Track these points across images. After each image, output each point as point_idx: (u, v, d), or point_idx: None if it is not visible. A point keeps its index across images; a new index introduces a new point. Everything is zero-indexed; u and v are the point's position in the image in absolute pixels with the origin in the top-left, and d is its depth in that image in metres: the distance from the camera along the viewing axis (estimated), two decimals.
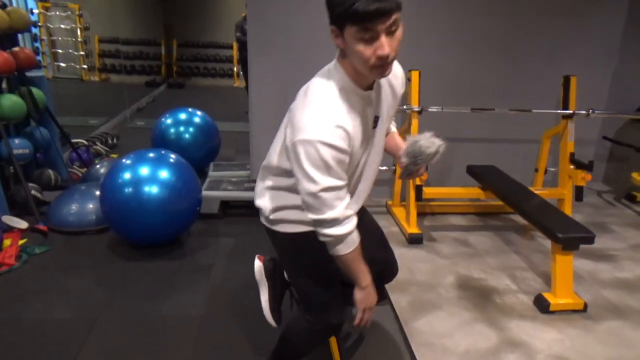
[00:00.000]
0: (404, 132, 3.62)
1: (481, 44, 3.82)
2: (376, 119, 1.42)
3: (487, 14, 3.75)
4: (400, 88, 1.50)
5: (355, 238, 1.38)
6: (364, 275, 1.45)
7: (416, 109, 3.42)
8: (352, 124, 1.28)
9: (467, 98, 3.83)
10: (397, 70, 1.47)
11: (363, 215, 1.68)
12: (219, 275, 2.80)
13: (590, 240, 2.44)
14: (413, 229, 3.36)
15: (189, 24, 11.08)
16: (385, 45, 1.14)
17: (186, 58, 11.22)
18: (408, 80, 3.52)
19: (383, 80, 1.41)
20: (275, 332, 1.84)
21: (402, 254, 3.16)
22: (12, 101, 3.38)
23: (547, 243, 3.26)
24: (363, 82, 1.31)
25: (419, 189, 3.32)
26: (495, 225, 3.69)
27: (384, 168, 3.83)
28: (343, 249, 1.37)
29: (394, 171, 3.80)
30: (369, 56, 1.16)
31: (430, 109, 3.50)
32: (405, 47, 3.94)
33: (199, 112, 4.51)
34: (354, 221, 1.37)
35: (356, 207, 1.56)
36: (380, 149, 1.51)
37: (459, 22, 3.76)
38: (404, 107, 3.47)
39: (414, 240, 3.31)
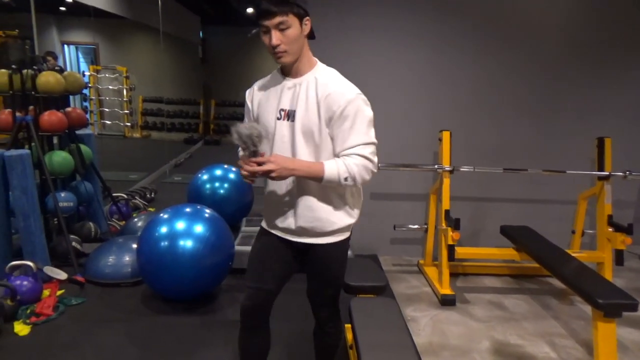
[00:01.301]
0: (436, 191, 3.64)
1: (512, 104, 3.87)
2: (280, 112, 1.62)
3: (516, 75, 3.83)
4: (325, 103, 1.55)
5: None
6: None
7: (447, 169, 3.44)
8: (260, 91, 1.72)
9: (499, 158, 3.84)
10: (332, 88, 1.56)
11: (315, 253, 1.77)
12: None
13: (633, 307, 2.33)
14: (446, 289, 3.28)
15: (226, 84, 11.63)
16: (273, 37, 1.50)
17: (223, 117, 11.69)
18: (439, 140, 3.57)
19: (309, 84, 1.58)
20: None
21: (435, 315, 3.09)
22: (62, 157, 3.60)
23: (587, 309, 3.12)
24: (283, 69, 1.65)
25: (451, 249, 3.28)
26: (531, 289, 3.57)
27: (416, 227, 3.82)
28: None
29: (426, 230, 3.78)
30: (267, 44, 1.53)
31: (462, 169, 3.52)
32: (435, 107, 4.03)
33: (233, 169, 4.66)
34: None
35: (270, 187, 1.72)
36: (284, 147, 1.61)
37: (489, 84, 3.84)
38: (435, 166, 3.51)
39: (446, 302, 3.23)
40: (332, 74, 1.63)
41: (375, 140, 1.59)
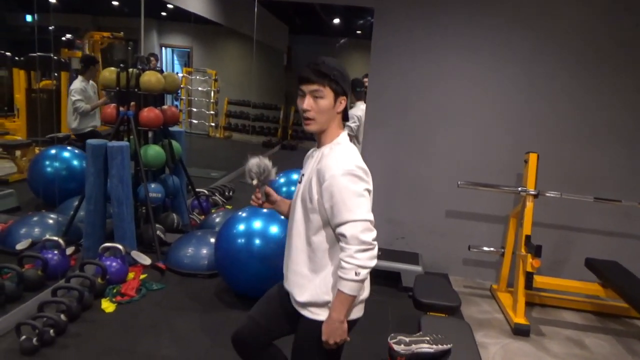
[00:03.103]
0: (517, 214, 3.49)
1: (607, 129, 3.63)
2: (302, 176, 1.69)
3: (615, 98, 3.59)
4: (317, 176, 1.56)
5: None
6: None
7: (532, 192, 3.29)
8: (307, 156, 1.76)
9: (588, 186, 3.61)
10: (324, 162, 1.57)
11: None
12: None
13: None
14: (520, 318, 3.13)
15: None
16: (305, 101, 1.58)
17: (300, 123, 11.94)
18: (525, 162, 3.43)
19: (324, 155, 1.61)
20: None
21: (506, 345, 2.95)
22: (155, 151, 3.86)
23: None
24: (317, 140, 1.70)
25: (529, 277, 3.12)
26: (616, 330, 3.30)
27: (491, 249, 3.68)
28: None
29: (502, 254, 3.63)
30: (300, 108, 1.60)
31: (547, 194, 3.35)
32: (522, 127, 3.90)
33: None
34: None
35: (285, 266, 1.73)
36: (294, 210, 1.66)
37: (582, 106, 3.63)
38: (519, 189, 3.37)
39: (520, 332, 3.07)
40: (338, 149, 1.61)
41: (366, 217, 1.51)
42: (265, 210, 1.92)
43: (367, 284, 1.68)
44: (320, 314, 1.59)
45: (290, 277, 1.67)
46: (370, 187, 1.58)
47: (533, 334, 3.09)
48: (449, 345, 1.94)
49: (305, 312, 1.62)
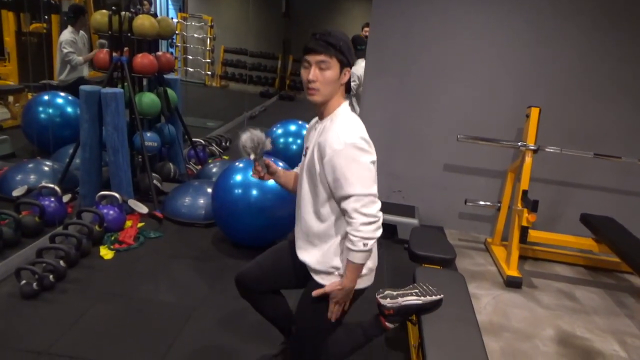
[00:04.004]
0: (515, 169, 3.48)
1: (610, 85, 3.55)
2: (306, 149, 1.72)
3: (619, 53, 3.49)
4: (319, 150, 1.58)
5: None
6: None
7: (532, 147, 3.26)
8: (309, 127, 1.81)
9: (589, 142, 3.57)
10: (330, 138, 1.55)
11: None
12: None
13: None
14: (513, 271, 3.18)
15: (305, 41, 11.58)
16: (311, 72, 1.57)
17: (299, 73, 11.70)
18: (526, 116, 3.38)
19: (326, 128, 1.62)
20: None
21: (498, 296, 3.02)
22: (150, 99, 3.78)
23: None
24: (316, 111, 1.70)
25: (524, 231, 3.15)
26: (607, 283, 3.37)
27: (488, 203, 3.70)
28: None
29: (498, 208, 3.64)
30: (304, 79, 1.60)
31: (547, 149, 3.32)
32: (524, 82, 3.82)
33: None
34: None
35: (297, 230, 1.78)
36: (301, 183, 1.70)
37: (586, 62, 3.54)
38: (519, 143, 3.34)
39: (512, 284, 3.14)
40: (339, 120, 1.61)
41: (368, 191, 1.53)
42: (268, 182, 2.01)
43: (375, 252, 1.75)
44: (329, 281, 1.66)
45: (301, 245, 1.73)
46: (374, 158, 1.58)
47: (525, 286, 3.16)
48: (439, 296, 1.96)
49: (317, 277, 1.69)
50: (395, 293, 1.92)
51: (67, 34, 4.91)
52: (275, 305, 1.95)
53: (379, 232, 1.55)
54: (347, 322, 1.84)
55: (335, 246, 1.65)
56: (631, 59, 3.50)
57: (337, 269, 1.66)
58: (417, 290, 1.96)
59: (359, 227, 1.51)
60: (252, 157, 1.72)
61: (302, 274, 1.74)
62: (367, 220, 1.52)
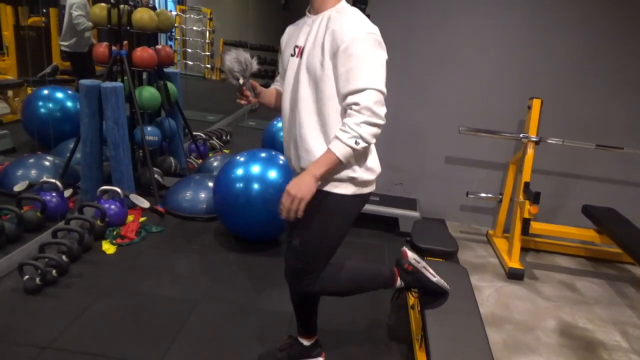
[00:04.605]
0: (517, 161, 3.47)
1: (612, 75, 3.53)
2: (295, 49, 1.58)
3: (620, 43, 3.47)
4: (330, 37, 1.44)
5: None
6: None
7: (533, 139, 3.25)
8: (289, 31, 1.69)
9: (591, 133, 3.56)
10: (340, 23, 1.45)
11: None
12: None
13: None
14: (514, 263, 3.19)
15: None
16: None
17: None
18: (528, 108, 3.37)
19: (332, 18, 1.48)
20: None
21: (500, 288, 3.02)
22: (150, 93, 3.77)
23: None
24: (310, 6, 1.58)
25: (526, 223, 3.15)
26: (608, 274, 3.38)
27: (489, 195, 3.70)
28: None
29: (500, 200, 3.64)
30: None
31: (549, 140, 3.31)
32: (526, 73, 3.81)
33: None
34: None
35: (286, 137, 1.68)
36: (298, 85, 1.55)
37: (588, 51, 3.51)
38: (520, 135, 3.33)
39: (513, 275, 3.14)
40: (349, 11, 1.49)
41: (383, 89, 1.43)
42: (253, 107, 1.78)
43: (376, 158, 1.66)
44: (340, 187, 1.57)
45: (304, 157, 1.58)
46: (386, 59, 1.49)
47: (526, 277, 3.16)
48: (447, 287, 1.97)
49: (326, 187, 1.57)
50: (419, 258, 1.91)
51: None
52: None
53: (374, 140, 1.48)
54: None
55: None
56: (633, 49, 3.48)
57: (352, 178, 1.56)
58: (433, 271, 1.96)
59: (361, 123, 1.41)
60: (240, 81, 1.56)
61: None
62: (373, 121, 1.42)
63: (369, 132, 1.43)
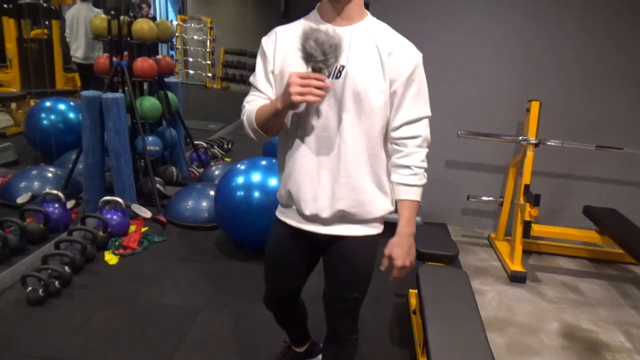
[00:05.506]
0: (517, 164, 3.47)
1: (613, 78, 3.54)
2: (341, 69, 1.28)
3: (619, 43, 3.47)
4: (391, 61, 1.28)
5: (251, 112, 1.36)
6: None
7: (533, 141, 3.26)
8: (286, 39, 1.36)
9: (591, 134, 3.57)
10: (397, 45, 1.31)
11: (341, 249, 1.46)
12: (312, 285, 2.87)
13: None
14: (517, 266, 3.18)
15: None
16: None
17: None
18: (527, 110, 3.37)
19: (365, 35, 1.30)
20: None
21: (502, 291, 3.02)
22: (151, 103, 3.80)
23: None
24: (329, 16, 1.33)
25: (527, 225, 3.15)
26: (611, 275, 3.37)
27: (490, 199, 3.70)
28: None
29: (501, 203, 3.64)
30: None
31: (548, 142, 3.32)
32: (525, 75, 3.81)
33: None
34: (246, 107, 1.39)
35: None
36: (324, 113, 1.30)
37: (587, 52, 3.52)
38: (520, 138, 3.33)
39: (516, 278, 3.14)
40: (389, 29, 1.37)
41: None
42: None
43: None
44: (377, 227, 1.44)
45: (346, 196, 1.35)
46: None
47: (529, 280, 3.16)
48: None
49: (365, 229, 1.42)
50: None
51: (91, 8, 4.97)
52: (300, 317, 1.86)
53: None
54: None
55: (387, 185, 1.41)
56: (631, 49, 3.49)
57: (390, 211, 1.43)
58: None
59: (424, 157, 1.33)
60: (330, 63, 1.19)
61: (322, 246, 1.48)
62: (427, 151, 1.34)
63: (426, 162, 1.36)
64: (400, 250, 1.36)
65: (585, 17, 3.47)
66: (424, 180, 1.35)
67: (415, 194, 1.34)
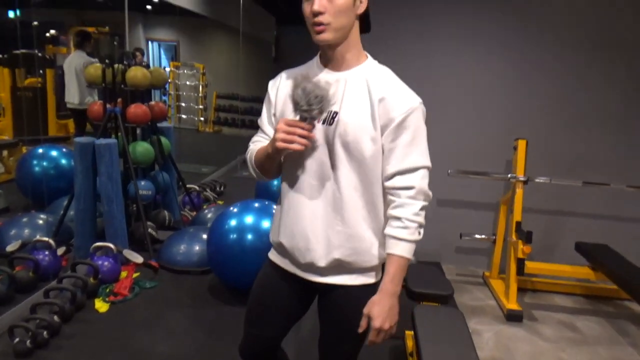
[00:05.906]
0: (507, 201, 3.51)
1: (596, 113, 3.65)
2: (330, 114, 1.26)
3: (603, 81, 3.60)
4: (382, 107, 1.25)
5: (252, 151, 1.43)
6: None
7: (521, 179, 3.31)
8: (288, 82, 1.36)
9: (578, 170, 3.64)
10: (390, 90, 1.27)
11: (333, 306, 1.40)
12: (308, 329, 2.83)
13: None
14: (512, 304, 3.16)
15: None
16: (316, 2, 1.20)
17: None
18: (514, 148, 3.44)
19: (359, 81, 1.28)
20: None
21: (500, 331, 2.98)
22: (144, 148, 3.83)
23: None
24: (325, 61, 1.34)
25: (521, 263, 3.16)
26: (607, 312, 3.35)
27: (483, 237, 3.71)
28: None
29: (494, 241, 3.65)
30: (307, 14, 1.24)
31: (537, 180, 3.37)
32: (511, 113, 3.92)
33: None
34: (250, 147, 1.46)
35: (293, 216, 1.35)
36: (316, 159, 1.28)
37: (571, 90, 3.64)
38: (509, 175, 3.39)
39: (512, 317, 3.11)
40: (387, 73, 1.33)
41: (430, 164, 1.32)
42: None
43: None
44: (375, 276, 1.35)
45: (343, 244, 1.30)
46: None
47: (526, 319, 3.13)
48: None
49: (363, 279, 1.34)
50: None
51: (84, 56, 5.08)
52: None
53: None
54: None
55: (382, 233, 1.31)
56: (611, 89, 3.61)
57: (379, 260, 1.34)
58: None
59: (419, 210, 1.24)
60: (314, 113, 1.18)
61: (313, 295, 1.43)
62: (426, 204, 1.26)
63: (423, 216, 1.26)
64: (380, 309, 1.23)
65: (563, 58, 3.61)
66: (416, 236, 1.24)
67: (403, 250, 1.23)
